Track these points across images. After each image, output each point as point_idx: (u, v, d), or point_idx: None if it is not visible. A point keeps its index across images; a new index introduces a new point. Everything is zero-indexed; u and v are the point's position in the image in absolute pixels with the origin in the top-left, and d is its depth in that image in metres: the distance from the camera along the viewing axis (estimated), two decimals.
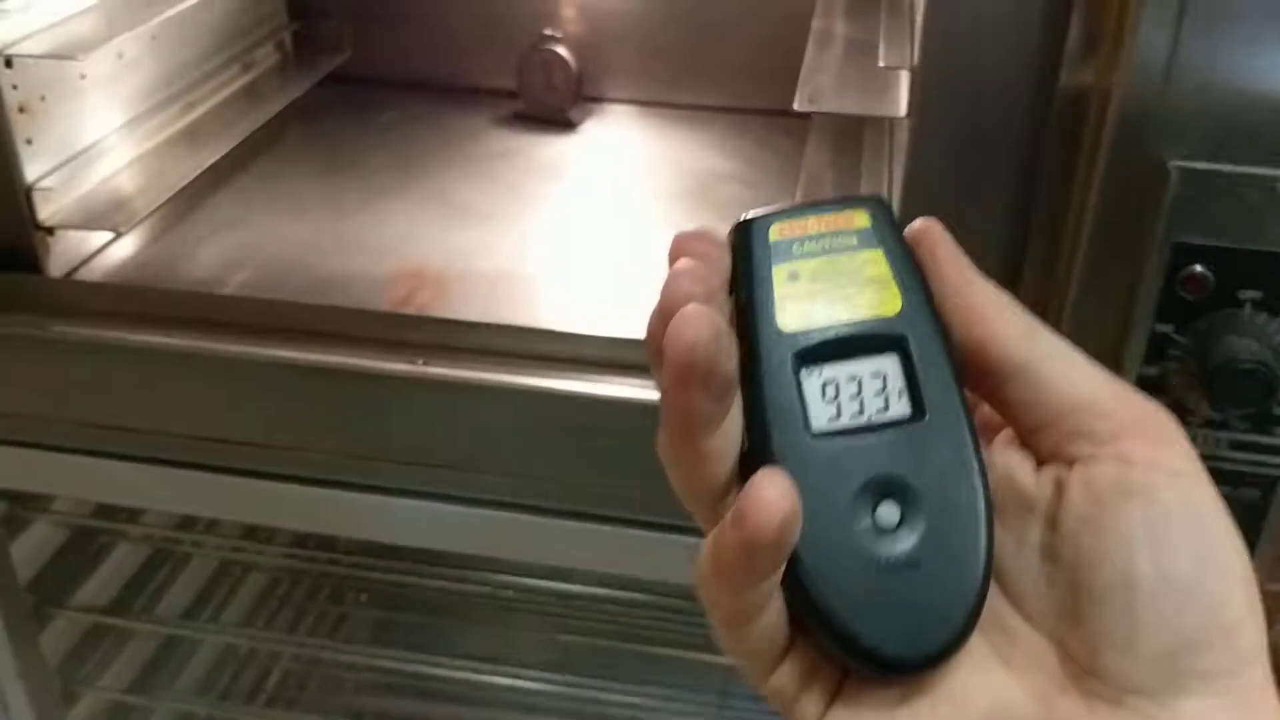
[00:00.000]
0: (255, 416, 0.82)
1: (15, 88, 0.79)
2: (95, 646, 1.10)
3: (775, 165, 1.06)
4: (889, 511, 0.26)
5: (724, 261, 0.28)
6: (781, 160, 1.06)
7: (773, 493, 0.24)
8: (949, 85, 0.57)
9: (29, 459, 0.86)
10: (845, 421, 0.27)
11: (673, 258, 0.27)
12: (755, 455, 0.26)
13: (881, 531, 0.26)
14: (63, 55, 0.76)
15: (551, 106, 1.13)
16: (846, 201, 0.28)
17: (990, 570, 0.26)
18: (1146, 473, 0.26)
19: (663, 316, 0.25)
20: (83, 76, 0.87)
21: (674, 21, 1.14)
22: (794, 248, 0.28)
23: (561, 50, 1.11)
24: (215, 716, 1.17)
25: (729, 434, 0.26)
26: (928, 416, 0.27)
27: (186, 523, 1.09)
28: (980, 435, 0.28)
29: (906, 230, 0.29)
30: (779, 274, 0.27)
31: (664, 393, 0.25)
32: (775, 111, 1.14)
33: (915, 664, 0.26)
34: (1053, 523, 0.27)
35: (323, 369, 0.77)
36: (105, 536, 1.04)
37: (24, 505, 0.95)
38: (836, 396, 0.27)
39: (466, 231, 0.95)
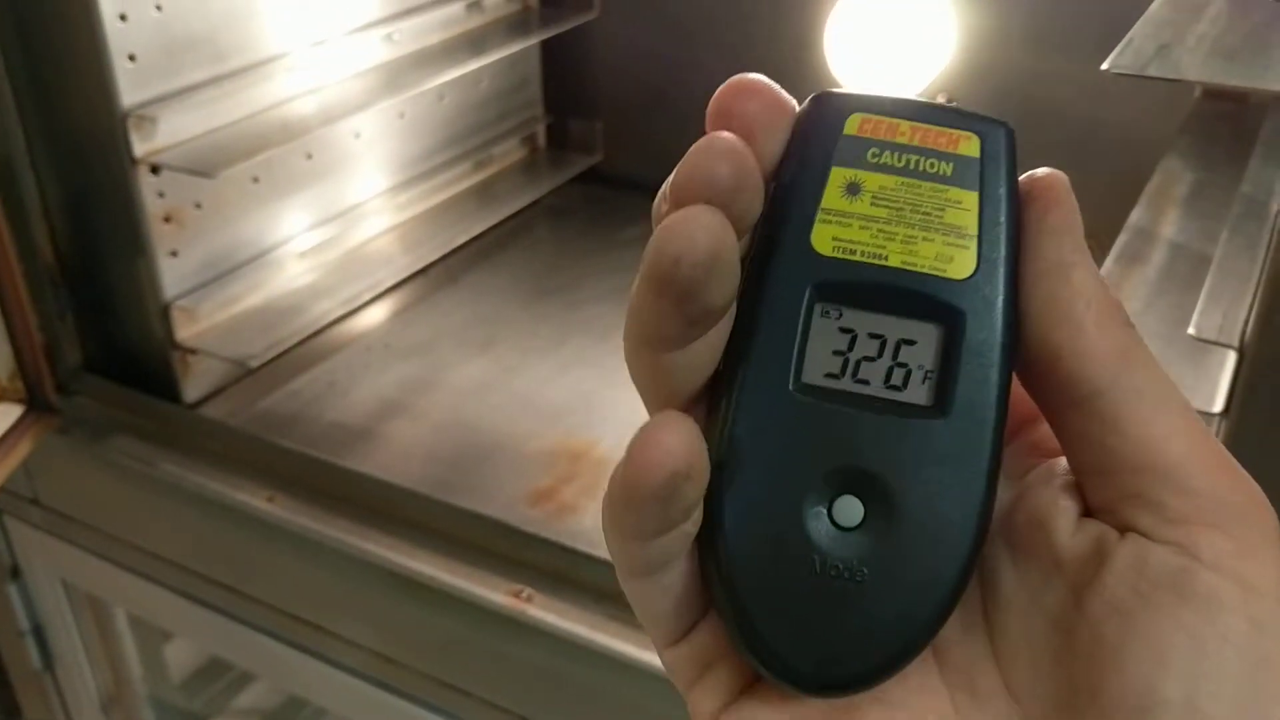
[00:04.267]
0: (348, 610, 0.69)
1: (162, 195, 0.70)
2: None
3: None
4: (849, 507, 0.21)
5: (778, 136, 0.21)
6: None
7: (671, 440, 0.20)
8: None
9: (144, 591, 0.78)
10: (844, 384, 0.22)
11: (714, 116, 0.21)
12: (723, 384, 0.21)
13: (835, 528, 0.21)
14: (196, 171, 0.66)
15: None
16: (962, 118, 0.22)
17: (947, 612, 0.22)
18: (1215, 578, 0.20)
19: (673, 191, 0.20)
20: (255, 180, 0.77)
21: None
22: (869, 153, 0.22)
23: None
24: None
25: (699, 353, 0.21)
26: (947, 417, 0.21)
27: None
28: (1028, 456, 0.23)
29: (1024, 178, 0.22)
30: (836, 178, 0.22)
31: (636, 287, 0.20)
32: None
33: (817, 687, 0.22)
34: (1079, 595, 0.21)
35: (423, 585, 0.63)
36: None
37: None
38: (846, 351, 0.22)
39: None
